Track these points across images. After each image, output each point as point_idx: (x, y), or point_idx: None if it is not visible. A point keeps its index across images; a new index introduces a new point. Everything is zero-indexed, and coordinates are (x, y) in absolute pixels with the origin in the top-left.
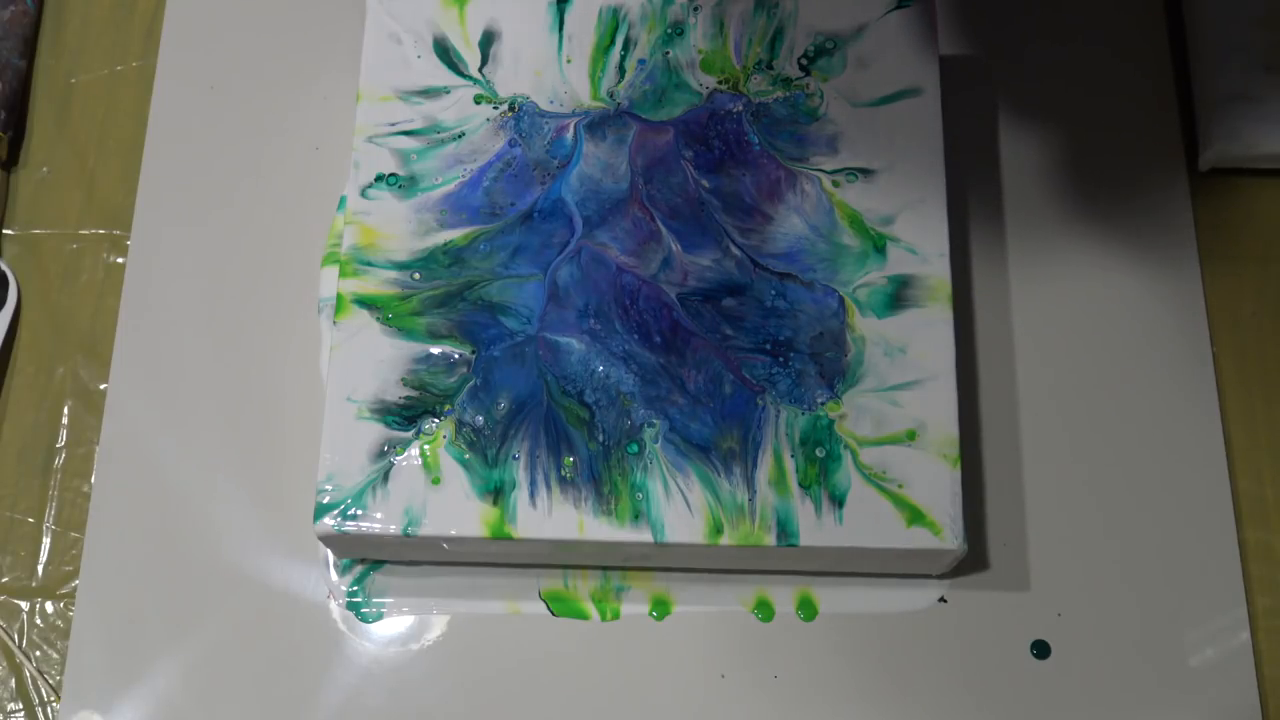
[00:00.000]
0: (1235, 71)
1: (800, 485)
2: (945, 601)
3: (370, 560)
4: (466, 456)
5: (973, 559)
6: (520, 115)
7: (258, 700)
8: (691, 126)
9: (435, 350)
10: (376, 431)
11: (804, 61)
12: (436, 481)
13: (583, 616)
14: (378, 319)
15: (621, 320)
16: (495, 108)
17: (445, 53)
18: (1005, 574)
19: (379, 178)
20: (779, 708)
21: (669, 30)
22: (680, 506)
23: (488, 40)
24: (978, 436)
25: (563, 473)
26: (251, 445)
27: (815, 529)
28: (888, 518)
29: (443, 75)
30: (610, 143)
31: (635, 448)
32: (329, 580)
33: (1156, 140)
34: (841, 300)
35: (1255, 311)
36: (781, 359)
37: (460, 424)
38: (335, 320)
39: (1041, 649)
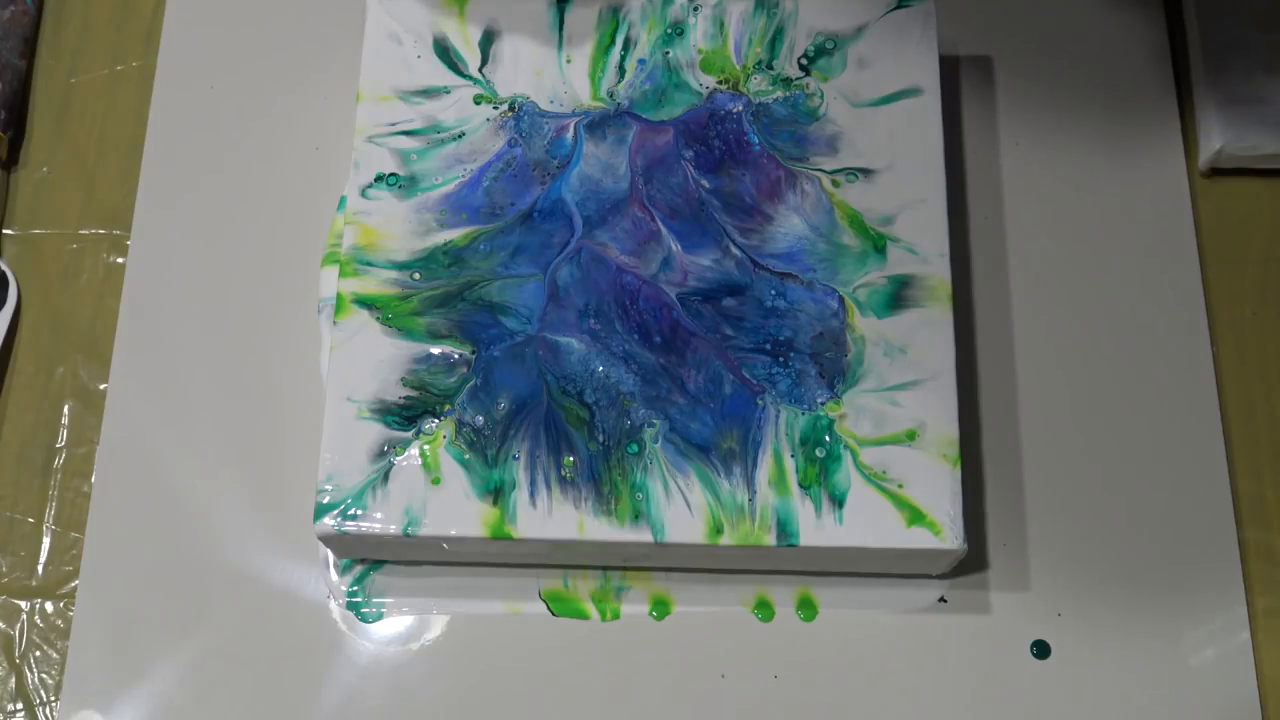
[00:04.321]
0: (1235, 71)
1: (800, 485)
2: (945, 601)
3: (370, 560)
4: (466, 456)
5: (973, 559)
6: (520, 115)
7: (258, 700)
8: (691, 126)
9: (435, 350)
10: (376, 431)
11: (804, 61)
12: (436, 481)
13: (583, 616)
14: (378, 319)
15: (621, 320)
16: (495, 108)
17: (445, 53)
18: (1005, 574)
19: (379, 178)
20: (779, 708)
21: (669, 30)
22: (680, 506)
23: (488, 40)
24: (978, 436)
25: (563, 473)
26: (251, 445)
27: (815, 529)
28: (888, 518)
29: (443, 75)
30: (610, 143)
31: (635, 448)
32: (329, 580)
33: (1156, 140)
34: (841, 300)
35: (1255, 311)
36: (781, 359)
37: (460, 424)
38: (335, 320)
39: (1041, 649)
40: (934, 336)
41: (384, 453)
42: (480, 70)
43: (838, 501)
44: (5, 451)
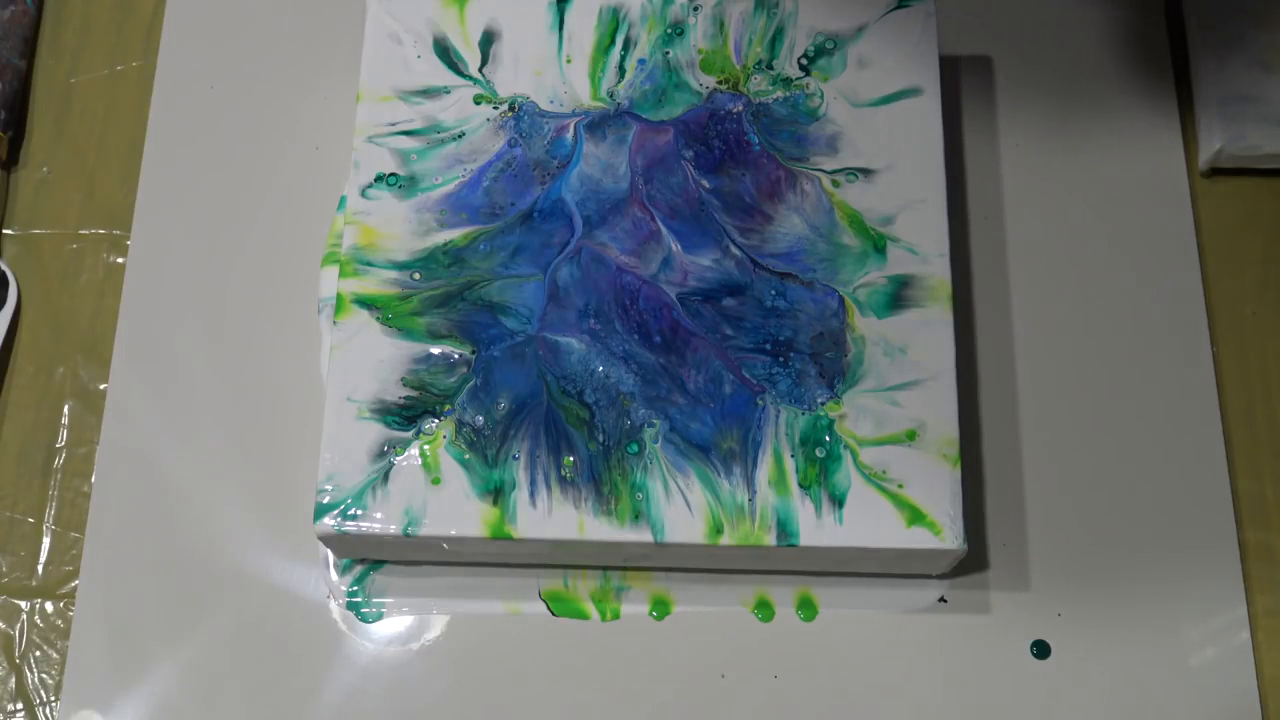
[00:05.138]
0: (1235, 71)
1: (800, 485)
2: (945, 601)
3: (370, 560)
4: (466, 456)
5: (973, 559)
6: (520, 115)
7: (258, 700)
8: (691, 126)
9: (435, 350)
10: (376, 431)
11: (804, 61)
12: (436, 481)
13: (583, 616)
14: (378, 319)
15: (621, 320)
16: (495, 108)
17: (445, 53)
18: (1005, 574)
19: (379, 178)
20: (779, 708)
21: (669, 30)
22: (680, 506)
23: (488, 40)
24: (978, 436)
25: (563, 473)
26: (251, 445)
27: (815, 529)
28: (888, 518)
29: (443, 75)
30: (610, 143)
31: (635, 448)
32: (329, 580)
33: (1156, 140)
34: (841, 300)
35: (1255, 311)
36: (781, 359)
37: (460, 424)
38: (335, 320)
39: (1041, 649)
40: (934, 336)
41: (384, 453)
42: (480, 70)
43: (838, 501)
44: (5, 451)
